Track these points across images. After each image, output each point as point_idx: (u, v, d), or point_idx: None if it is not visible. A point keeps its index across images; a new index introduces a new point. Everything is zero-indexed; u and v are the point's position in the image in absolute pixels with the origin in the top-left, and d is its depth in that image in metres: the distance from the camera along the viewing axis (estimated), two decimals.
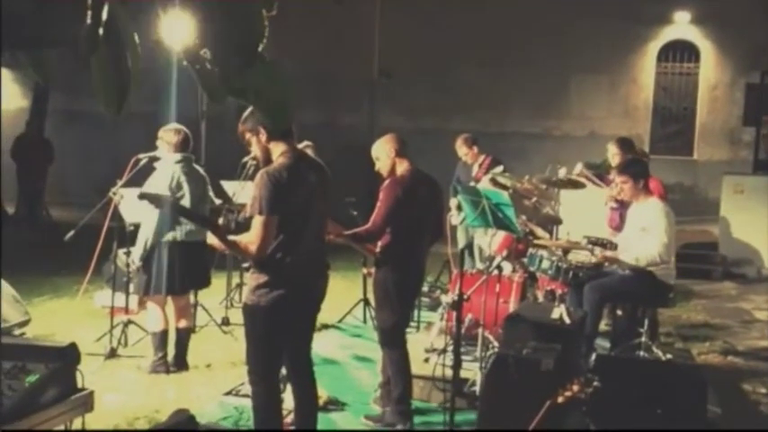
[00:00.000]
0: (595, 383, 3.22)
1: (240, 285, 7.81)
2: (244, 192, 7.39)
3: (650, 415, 4.44)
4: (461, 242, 8.31)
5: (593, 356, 4.79)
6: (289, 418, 4.73)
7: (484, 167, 8.24)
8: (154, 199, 4.45)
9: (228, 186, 7.65)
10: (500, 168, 7.59)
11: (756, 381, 6.11)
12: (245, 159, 7.12)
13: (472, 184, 7.32)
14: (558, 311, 4.65)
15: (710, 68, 13.69)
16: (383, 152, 5.00)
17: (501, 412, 3.73)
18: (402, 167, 4.99)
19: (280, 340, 3.94)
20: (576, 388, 3.20)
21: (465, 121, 13.19)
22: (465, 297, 4.01)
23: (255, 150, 4.03)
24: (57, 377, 2.63)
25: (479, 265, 6.63)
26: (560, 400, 3.18)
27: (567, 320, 4.46)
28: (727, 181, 11.17)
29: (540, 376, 3.72)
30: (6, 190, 13.57)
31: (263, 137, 3.95)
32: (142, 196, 4.25)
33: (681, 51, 13.92)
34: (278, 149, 3.94)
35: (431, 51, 13.96)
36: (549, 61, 13.75)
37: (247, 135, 4.02)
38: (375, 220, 4.89)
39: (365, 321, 7.44)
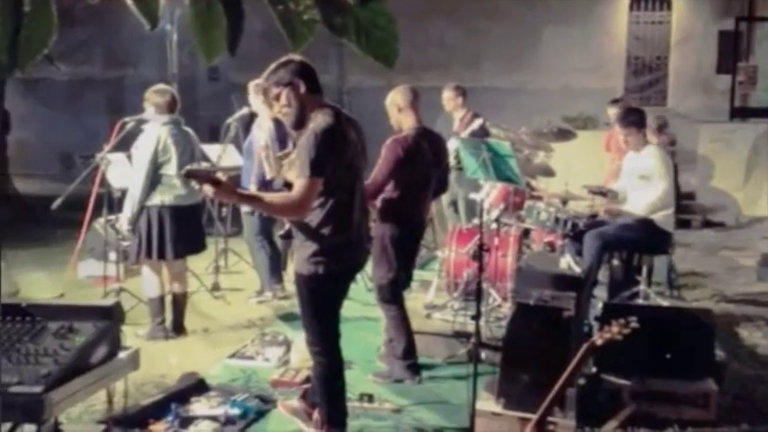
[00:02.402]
0: (633, 324, 3.20)
1: (225, 251, 7.71)
2: (227, 155, 7.30)
3: (659, 360, 4.49)
4: (446, 198, 8.26)
5: (600, 304, 4.82)
6: (300, 377, 4.71)
7: (465, 122, 8.16)
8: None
9: (210, 150, 7.50)
10: (479, 122, 7.51)
11: (751, 325, 6.20)
12: (229, 121, 7.02)
13: (452, 139, 7.25)
14: (565, 261, 4.64)
15: (683, 16, 13.71)
16: (390, 105, 4.94)
17: (524, 360, 3.73)
18: (408, 123, 4.91)
19: (337, 307, 3.84)
20: (615, 329, 3.19)
21: (437, 78, 13.00)
22: (485, 248, 3.96)
23: (284, 106, 3.71)
24: (105, 336, 2.57)
25: (475, 221, 6.59)
26: (599, 342, 3.17)
27: (577, 269, 4.45)
28: (703, 129, 11.25)
29: (561, 323, 3.72)
30: None
31: (302, 88, 3.66)
32: (189, 174, 3.75)
33: (653, 0, 13.93)
34: (316, 105, 3.69)
35: (400, 6, 13.71)
36: (520, 14, 13.66)
37: (276, 90, 3.70)
38: (375, 177, 4.83)
39: (356, 281, 7.38)
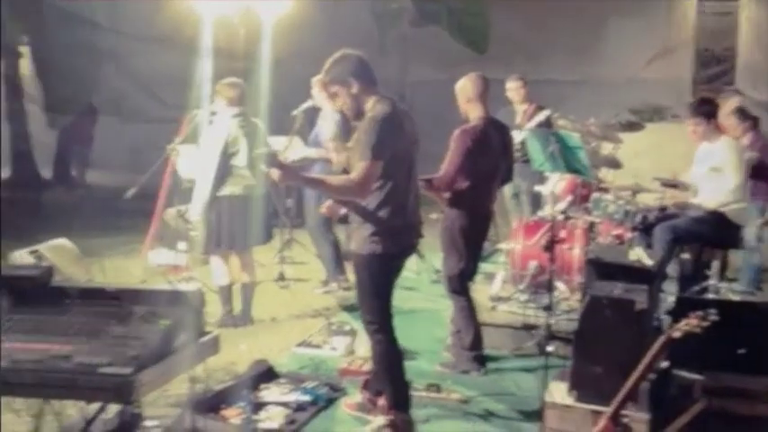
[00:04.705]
0: (712, 317, 3.15)
1: (290, 242, 7.80)
2: (293, 146, 7.39)
3: (732, 356, 4.40)
4: (508, 190, 8.20)
5: (670, 299, 4.75)
6: (367, 366, 4.75)
7: (528, 114, 8.08)
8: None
9: (277, 141, 7.60)
10: (546, 113, 7.42)
11: None
12: (295, 113, 7.10)
13: (516, 131, 7.19)
14: (636, 254, 4.57)
15: (752, 7, 13.33)
16: (459, 93, 4.93)
17: (597, 352, 3.70)
18: (475, 113, 4.90)
19: (392, 286, 3.96)
20: (693, 322, 3.14)
21: (499, 70, 12.84)
22: (557, 239, 3.93)
23: (343, 102, 3.92)
24: (188, 320, 2.65)
25: (540, 213, 6.54)
26: (676, 334, 3.13)
27: (649, 262, 4.38)
28: None
29: (634, 316, 3.68)
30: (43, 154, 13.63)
31: (355, 87, 3.85)
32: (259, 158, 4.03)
33: None
34: (371, 98, 3.85)
35: None
36: (584, 5, 13.42)
37: (333, 87, 3.91)
38: (447, 169, 4.84)
39: (419, 273, 7.40)
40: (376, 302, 3.92)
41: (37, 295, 2.76)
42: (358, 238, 3.89)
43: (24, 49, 13.16)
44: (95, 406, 2.78)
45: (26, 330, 2.59)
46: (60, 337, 2.56)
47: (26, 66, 13.50)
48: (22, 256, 5.56)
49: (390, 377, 3.99)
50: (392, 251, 3.84)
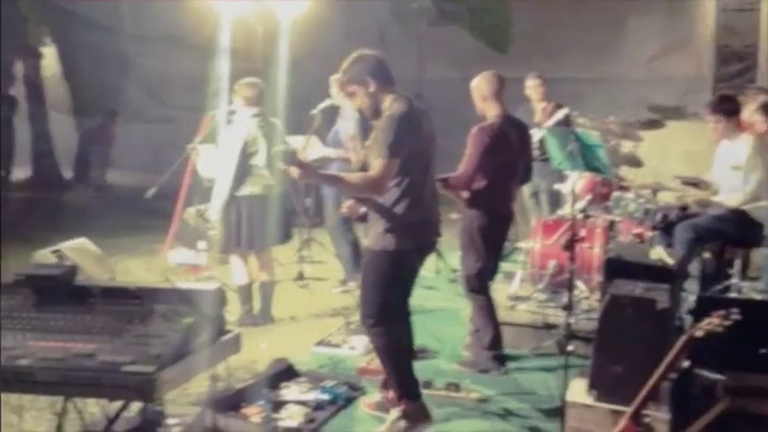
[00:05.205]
0: (735, 316, 3.12)
1: (309, 241, 7.81)
2: (311, 145, 7.40)
3: (755, 355, 4.36)
4: (527, 189, 8.17)
5: (692, 298, 4.71)
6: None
7: (547, 113, 8.05)
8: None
9: (295, 141, 7.62)
10: (564, 111, 7.39)
11: None
12: (313, 112, 7.11)
13: (535, 129, 7.16)
14: (657, 253, 4.55)
15: None
16: (475, 92, 4.92)
17: (617, 352, 3.68)
18: (492, 111, 4.89)
19: (399, 285, 3.97)
20: (715, 321, 3.12)
21: (517, 69, 12.81)
22: (577, 238, 3.92)
23: (360, 102, 3.97)
24: (209, 319, 2.67)
25: (559, 212, 6.52)
26: (698, 333, 3.11)
27: (670, 261, 4.35)
28: None
29: (655, 315, 3.65)
30: (63, 154, 13.75)
31: (372, 86, 3.89)
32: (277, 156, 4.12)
33: None
34: (388, 98, 3.89)
35: None
36: (603, 2, 13.36)
37: (351, 87, 3.97)
38: (465, 167, 4.84)
39: (438, 272, 7.39)
40: (375, 298, 3.94)
41: (60, 294, 2.79)
42: (372, 233, 3.95)
43: (48, 50, 13.29)
44: (118, 404, 2.80)
45: (50, 329, 2.62)
46: (83, 335, 2.58)
47: (49, 67, 13.64)
48: (44, 256, 5.61)
49: (395, 368, 4.01)
50: (405, 247, 3.86)
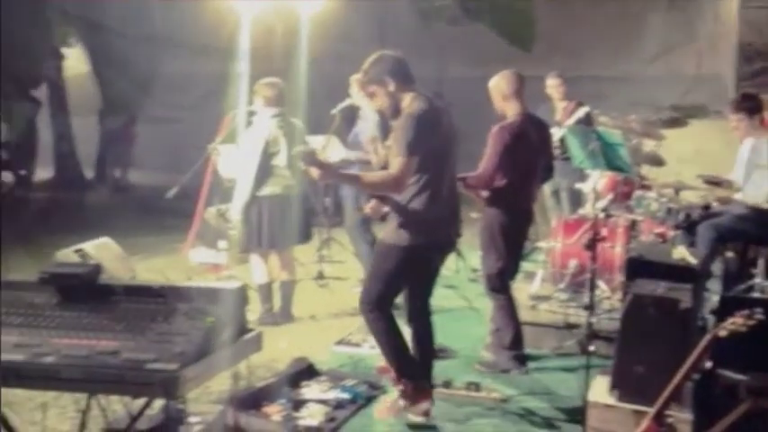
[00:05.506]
0: (758, 315, 3.10)
1: (328, 240, 7.83)
2: (331, 145, 7.42)
3: None
4: (547, 188, 8.14)
5: (715, 297, 4.68)
6: None
7: (568, 111, 8.01)
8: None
9: (315, 141, 7.63)
10: (585, 110, 7.35)
11: None
12: (334, 112, 7.12)
13: (555, 128, 7.13)
14: (679, 252, 4.52)
15: None
16: (494, 91, 4.90)
17: (640, 352, 3.66)
18: (512, 110, 4.87)
19: (404, 281, 4.09)
20: (739, 321, 3.09)
21: (537, 67, 12.76)
22: (598, 237, 3.90)
23: (381, 102, 4.01)
24: (232, 317, 2.70)
25: (581, 211, 6.48)
26: (722, 333, 3.08)
27: (693, 261, 4.32)
28: None
29: (678, 315, 3.63)
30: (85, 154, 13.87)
31: (392, 85, 3.93)
32: (297, 155, 4.15)
33: None
34: (408, 97, 3.92)
35: None
36: (624, 1, 13.29)
37: (371, 87, 4.01)
38: (485, 166, 4.83)
39: (458, 271, 7.38)
40: (378, 288, 4.02)
41: (84, 292, 2.81)
42: (387, 227, 4.03)
43: (71, 51, 13.39)
44: (140, 402, 2.82)
45: (74, 326, 2.64)
46: (107, 333, 2.60)
47: (72, 68, 13.75)
48: (66, 255, 5.67)
49: (393, 351, 4.09)
50: (417, 243, 3.91)
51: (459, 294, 6.65)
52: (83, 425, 3.20)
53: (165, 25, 12.57)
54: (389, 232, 4.00)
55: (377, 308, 4.02)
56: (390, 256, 3.97)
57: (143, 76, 12.33)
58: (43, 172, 13.46)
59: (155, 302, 2.75)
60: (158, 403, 3.34)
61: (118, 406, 3.30)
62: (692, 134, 6.84)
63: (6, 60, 10.21)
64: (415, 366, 4.15)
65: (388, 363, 4.18)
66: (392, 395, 4.34)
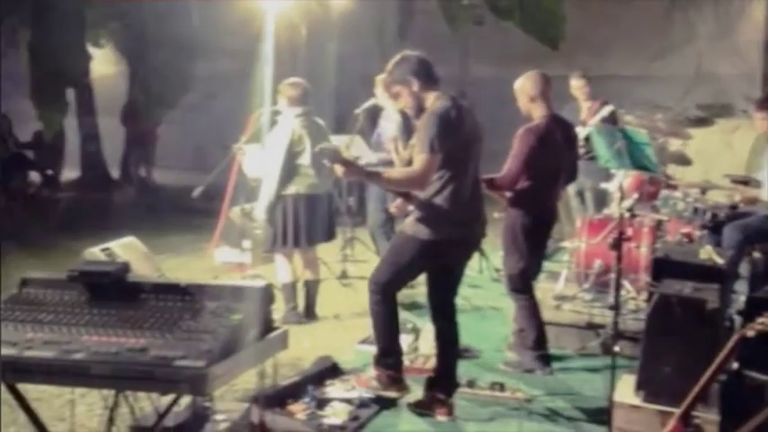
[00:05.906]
0: None
1: (352, 240, 7.85)
2: (354, 145, 7.44)
3: None
4: (572, 188, 8.10)
5: (742, 298, 4.64)
6: (429, 364, 4.76)
7: (593, 111, 7.97)
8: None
9: (338, 141, 7.65)
10: (610, 108, 7.30)
11: None
12: (357, 111, 7.14)
13: (580, 127, 7.09)
14: (706, 252, 4.48)
15: None
16: (520, 92, 4.88)
17: (666, 352, 3.64)
18: (538, 112, 4.86)
19: (415, 273, 4.20)
20: (767, 321, 3.07)
21: (561, 66, 12.67)
22: (624, 237, 3.88)
23: (405, 102, 4.05)
24: (258, 315, 2.73)
25: (606, 211, 6.45)
26: (749, 333, 3.06)
27: (720, 261, 4.29)
28: None
29: (705, 316, 3.61)
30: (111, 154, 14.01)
31: (416, 85, 3.96)
32: (322, 153, 4.24)
33: None
34: (431, 96, 3.96)
35: None
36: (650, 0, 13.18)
37: (395, 87, 4.05)
38: (510, 168, 4.82)
39: (481, 271, 7.37)
40: (389, 274, 4.07)
41: (113, 290, 2.84)
42: (408, 220, 4.08)
43: (99, 52, 13.52)
44: (168, 399, 2.85)
45: (103, 324, 2.68)
46: (136, 330, 2.63)
47: (99, 69, 13.89)
48: (93, 254, 5.72)
49: (382, 336, 4.19)
50: (436, 239, 3.95)
51: (483, 294, 6.65)
52: (110, 421, 3.24)
53: (200, 26, 12.65)
54: (410, 224, 4.06)
55: (382, 291, 4.09)
56: (407, 246, 4.04)
57: (178, 76, 12.39)
58: (70, 172, 13.62)
59: (182, 300, 2.78)
60: (185, 401, 3.38)
61: (145, 403, 3.33)
62: (719, 133, 6.77)
63: (47, 61, 10.36)
64: (397, 358, 4.25)
65: (376, 342, 4.27)
66: (414, 394, 4.36)
